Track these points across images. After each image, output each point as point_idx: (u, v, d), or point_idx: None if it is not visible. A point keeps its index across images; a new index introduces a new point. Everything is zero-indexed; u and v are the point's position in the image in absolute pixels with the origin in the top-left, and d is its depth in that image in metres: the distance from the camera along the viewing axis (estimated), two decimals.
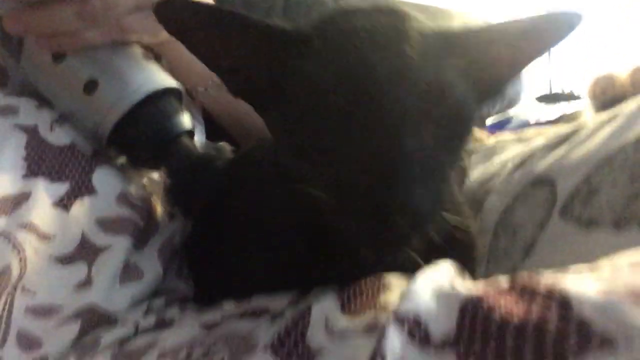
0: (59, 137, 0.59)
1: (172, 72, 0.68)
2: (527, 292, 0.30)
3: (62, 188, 0.56)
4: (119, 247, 0.57)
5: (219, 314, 0.49)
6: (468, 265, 0.46)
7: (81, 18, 0.58)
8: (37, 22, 0.58)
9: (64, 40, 0.60)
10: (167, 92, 0.64)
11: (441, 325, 0.31)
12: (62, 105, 0.63)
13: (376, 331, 0.33)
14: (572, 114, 1.17)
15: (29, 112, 0.59)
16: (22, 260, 0.50)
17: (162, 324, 0.52)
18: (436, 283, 0.35)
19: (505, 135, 0.95)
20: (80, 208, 0.56)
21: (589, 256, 0.35)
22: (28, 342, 0.49)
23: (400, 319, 0.31)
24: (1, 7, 0.60)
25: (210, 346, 0.43)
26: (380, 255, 0.42)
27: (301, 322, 0.38)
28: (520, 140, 0.86)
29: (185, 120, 0.65)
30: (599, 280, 0.29)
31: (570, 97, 1.44)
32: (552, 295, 0.29)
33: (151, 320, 0.53)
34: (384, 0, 0.48)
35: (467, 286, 0.33)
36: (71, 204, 0.56)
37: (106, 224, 0.57)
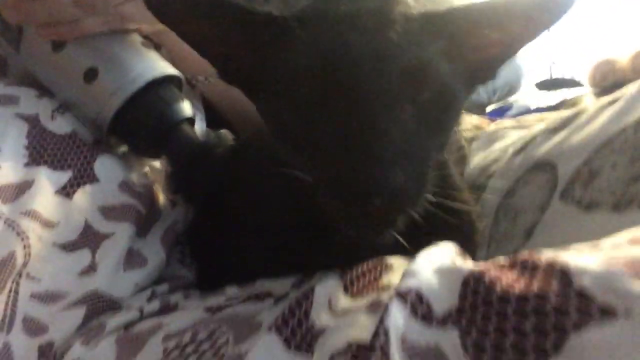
0: (60, 125, 0.59)
1: (172, 61, 0.68)
2: (528, 267, 0.30)
3: (64, 176, 0.56)
4: (122, 234, 0.58)
5: (223, 298, 0.50)
6: (469, 248, 0.46)
7: (80, 7, 0.58)
8: (36, 11, 0.58)
9: (64, 29, 0.60)
10: (167, 79, 0.65)
11: (443, 300, 0.31)
12: (63, 94, 0.63)
13: (379, 309, 0.33)
14: (572, 100, 1.17)
15: (29, 102, 0.59)
16: (26, 248, 0.50)
17: (167, 309, 0.53)
18: (438, 261, 0.35)
19: (506, 122, 0.95)
20: (83, 196, 0.56)
21: (590, 238, 0.35)
22: (34, 328, 0.49)
23: (402, 296, 0.32)
24: None
25: (214, 328, 0.43)
26: (363, 237, 0.42)
27: (305, 302, 0.38)
28: (520, 126, 0.86)
29: (186, 107, 0.65)
30: (598, 254, 0.29)
31: (570, 83, 1.44)
32: (553, 268, 0.29)
33: (155, 305, 0.53)
34: None
35: (468, 263, 0.33)
36: (74, 192, 0.56)
37: (109, 212, 0.58)
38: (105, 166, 0.60)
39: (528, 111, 1.19)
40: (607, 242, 0.32)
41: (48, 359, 0.49)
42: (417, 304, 0.31)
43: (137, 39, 0.65)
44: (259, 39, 0.45)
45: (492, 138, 0.83)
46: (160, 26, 0.62)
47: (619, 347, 0.25)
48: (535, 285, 0.28)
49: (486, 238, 0.60)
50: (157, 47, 0.70)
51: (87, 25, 0.60)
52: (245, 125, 0.82)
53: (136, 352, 0.45)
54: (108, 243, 0.56)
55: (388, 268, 0.40)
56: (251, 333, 0.40)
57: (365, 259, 0.43)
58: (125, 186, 0.60)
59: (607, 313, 0.26)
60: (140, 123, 0.62)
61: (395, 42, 0.40)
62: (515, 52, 0.47)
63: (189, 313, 0.49)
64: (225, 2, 0.45)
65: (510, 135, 0.80)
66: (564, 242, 0.35)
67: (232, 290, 0.51)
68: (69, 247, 0.54)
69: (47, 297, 0.51)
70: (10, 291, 0.49)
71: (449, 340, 0.29)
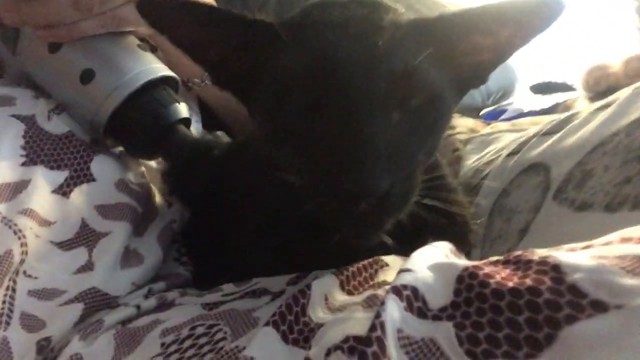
0: (57, 126, 0.59)
1: (168, 63, 0.68)
2: (522, 262, 0.31)
3: (61, 176, 0.56)
4: (118, 232, 0.58)
5: (219, 295, 0.50)
6: (464, 248, 0.47)
7: (77, 9, 0.58)
8: (34, 13, 0.59)
9: (60, 31, 0.60)
10: (163, 81, 0.65)
11: (438, 295, 0.32)
12: (59, 95, 0.63)
13: (375, 304, 0.34)
14: (566, 103, 1.18)
15: (26, 102, 0.59)
16: (23, 246, 0.50)
17: (164, 306, 0.53)
18: (433, 258, 0.36)
19: (500, 125, 0.96)
20: (80, 195, 0.57)
21: (582, 238, 0.35)
22: (32, 324, 0.50)
23: (398, 291, 0.32)
24: None
25: (212, 324, 0.44)
26: (351, 239, 0.42)
27: (302, 298, 0.38)
28: (515, 129, 0.87)
29: (182, 108, 0.65)
30: (590, 251, 0.30)
31: (563, 87, 1.45)
32: (546, 264, 0.29)
33: (152, 302, 0.53)
34: None
35: (463, 260, 0.34)
36: (70, 191, 0.56)
37: (105, 211, 0.58)
38: (102, 165, 0.60)
39: (522, 114, 1.20)
40: (599, 241, 0.32)
41: (46, 354, 0.49)
42: (413, 299, 0.32)
43: (133, 41, 0.65)
44: (251, 45, 0.46)
45: (486, 140, 0.84)
46: None
47: (609, 339, 0.25)
48: (529, 281, 0.29)
49: (480, 238, 0.60)
50: (154, 49, 0.70)
51: (84, 28, 0.60)
52: (241, 126, 0.82)
53: (134, 347, 0.45)
54: (105, 242, 0.56)
55: (384, 266, 0.41)
56: (249, 328, 0.41)
57: (361, 258, 0.43)
58: (122, 185, 0.61)
59: (598, 307, 0.26)
60: (137, 124, 0.63)
61: (384, 49, 0.41)
62: (507, 57, 0.47)
63: (186, 309, 0.50)
64: (217, 9, 0.46)
65: (504, 138, 0.81)
66: (558, 241, 0.36)
67: (228, 287, 0.51)
68: (65, 245, 0.54)
69: (44, 294, 0.51)
70: (7, 289, 0.49)
71: (444, 333, 0.30)
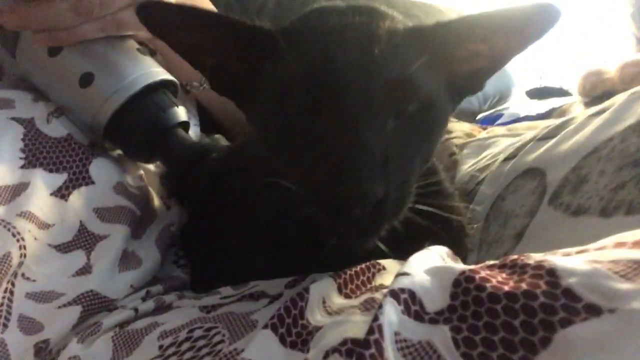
0: (56, 129, 0.59)
1: (167, 67, 0.68)
2: (517, 267, 0.31)
3: (60, 179, 0.56)
4: (117, 235, 0.58)
5: (217, 298, 0.51)
6: (460, 252, 0.47)
7: (77, 13, 0.59)
8: (33, 17, 0.59)
9: (60, 34, 0.60)
10: (162, 85, 0.65)
11: (435, 299, 0.32)
12: (58, 98, 0.63)
13: (373, 308, 0.34)
14: (562, 108, 1.18)
15: (25, 105, 0.60)
16: (22, 248, 0.50)
17: (161, 308, 0.53)
18: (430, 262, 0.36)
19: (497, 129, 0.96)
20: (78, 198, 0.57)
21: (577, 242, 0.36)
22: (29, 326, 0.50)
23: (395, 295, 0.32)
24: None
25: (210, 326, 0.44)
26: (346, 245, 0.43)
27: (300, 301, 0.39)
28: (511, 134, 0.88)
29: (180, 112, 0.66)
30: (585, 256, 0.31)
31: (560, 92, 1.45)
32: (542, 268, 0.30)
33: (150, 305, 0.54)
34: None
35: (459, 264, 0.34)
36: (69, 194, 0.57)
37: (104, 214, 0.58)
38: (101, 168, 0.60)
39: (518, 119, 1.20)
40: (594, 246, 0.33)
41: (44, 356, 0.49)
42: (410, 303, 0.32)
43: (133, 45, 0.66)
44: (249, 51, 0.46)
45: (483, 145, 0.84)
46: None
47: (603, 342, 0.26)
48: (525, 285, 0.29)
49: (477, 242, 0.61)
50: (153, 53, 0.70)
51: (84, 32, 0.60)
52: (239, 130, 0.82)
53: (132, 350, 0.46)
54: (103, 244, 0.57)
55: (381, 269, 0.41)
56: (247, 331, 0.41)
57: (358, 262, 0.43)
58: (120, 188, 0.61)
59: (592, 311, 0.27)
60: (135, 128, 0.63)
61: (379, 56, 0.42)
62: (503, 64, 0.48)
63: (184, 312, 0.50)
64: (216, 14, 0.47)
65: (500, 143, 0.81)
66: (553, 246, 0.36)
67: (226, 290, 0.51)
68: (64, 248, 0.54)
69: (42, 297, 0.52)
70: (5, 291, 0.49)
71: (441, 336, 0.30)
